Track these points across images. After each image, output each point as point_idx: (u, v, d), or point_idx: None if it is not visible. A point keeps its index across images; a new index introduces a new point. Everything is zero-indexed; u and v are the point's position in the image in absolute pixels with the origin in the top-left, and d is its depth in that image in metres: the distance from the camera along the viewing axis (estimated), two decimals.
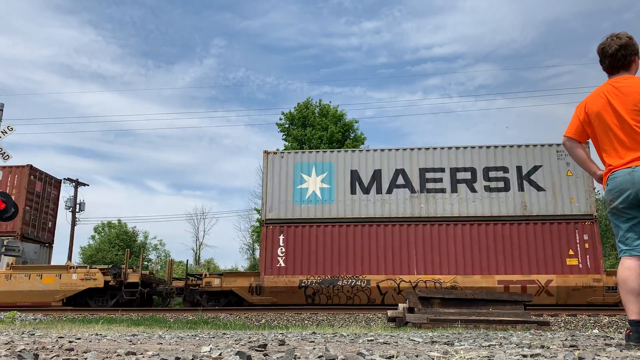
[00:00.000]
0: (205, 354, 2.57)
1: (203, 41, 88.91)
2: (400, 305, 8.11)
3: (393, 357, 2.41)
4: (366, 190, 15.54)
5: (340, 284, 14.75)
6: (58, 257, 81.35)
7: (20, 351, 2.63)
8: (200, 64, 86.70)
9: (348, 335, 4.60)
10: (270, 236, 15.24)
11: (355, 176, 15.70)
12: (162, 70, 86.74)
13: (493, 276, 14.57)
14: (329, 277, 14.85)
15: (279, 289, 14.85)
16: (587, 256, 14.50)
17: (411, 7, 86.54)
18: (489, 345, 3.23)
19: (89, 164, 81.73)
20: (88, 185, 35.09)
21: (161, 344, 3.46)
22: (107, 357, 2.47)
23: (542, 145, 15.43)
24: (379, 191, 15.49)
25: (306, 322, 11.78)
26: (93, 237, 39.22)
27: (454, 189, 15.33)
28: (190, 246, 52.63)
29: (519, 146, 15.50)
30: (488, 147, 15.62)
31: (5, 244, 10.25)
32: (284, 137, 32.43)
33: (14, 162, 16.77)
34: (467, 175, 15.41)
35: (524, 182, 15.17)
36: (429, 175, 15.52)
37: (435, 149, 15.80)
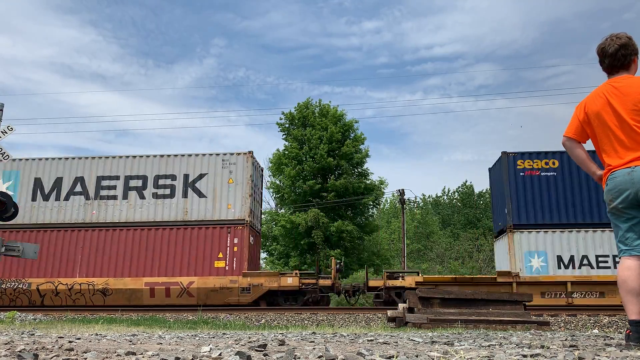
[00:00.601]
0: (205, 354, 2.57)
1: (203, 41, 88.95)
2: (400, 306, 8.10)
3: (393, 357, 2.41)
4: (46, 198, 16.18)
5: (4, 287, 15.39)
6: None
7: (20, 351, 2.63)
8: (200, 63, 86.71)
9: (348, 335, 4.60)
10: None
11: (38, 184, 16.34)
12: (162, 70, 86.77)
13: (141, 279, 15.15)
14: None
15: None
16: (235, 259, 15.11)
17: (411, 7, 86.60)
18: (489, 345, 3.23)
19: None
20: None
21: (161, 344, 3.46)
22: (107, 357, 2.47)
23: (210, 155, 16.17)
24: (57, 198, 16.15)
25: (306, 322, 11.79)
26: None
27: (125, 196, 16.00)
28: None
29: (189, 155, 16.26)
30: (162, 156, 16.38)
31: (5, 243, 10.19)
32: (284, 137, 32.47)
33: None
34: (139, 183, 16.09)
35: (189, 189, 15.87)
36: (104, 182, 16.20)
37: (113, 157, 16.51)
